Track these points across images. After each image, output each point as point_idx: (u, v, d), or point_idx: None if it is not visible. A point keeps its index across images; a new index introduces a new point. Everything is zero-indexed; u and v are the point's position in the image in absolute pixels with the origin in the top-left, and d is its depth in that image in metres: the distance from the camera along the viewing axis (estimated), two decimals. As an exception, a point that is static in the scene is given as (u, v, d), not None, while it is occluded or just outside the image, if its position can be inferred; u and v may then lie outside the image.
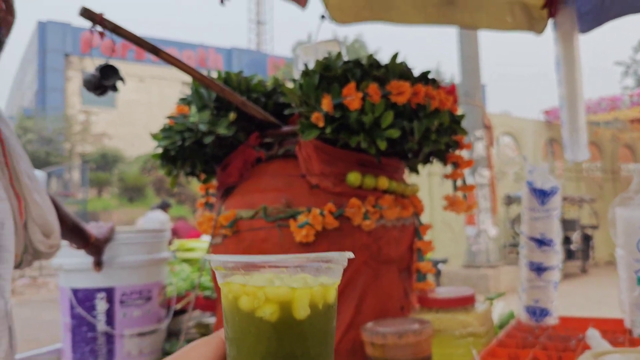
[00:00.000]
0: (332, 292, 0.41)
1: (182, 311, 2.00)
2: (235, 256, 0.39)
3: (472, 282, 10.34)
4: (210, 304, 2.04)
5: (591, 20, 2.00)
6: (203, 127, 1.39)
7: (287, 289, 0.38)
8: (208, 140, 1.39)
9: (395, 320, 1.19)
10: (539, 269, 1.33)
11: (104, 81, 1.14)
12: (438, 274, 9.68)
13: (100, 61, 1.22)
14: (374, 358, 1.13)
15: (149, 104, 27.45)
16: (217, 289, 1.60)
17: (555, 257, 1.32)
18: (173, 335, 1.91)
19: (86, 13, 1.13)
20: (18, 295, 12.42)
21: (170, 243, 2.49)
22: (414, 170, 1.56)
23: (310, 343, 0.39)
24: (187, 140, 1.42)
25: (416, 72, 1.38)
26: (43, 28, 28.16)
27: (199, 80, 1.32)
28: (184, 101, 1.53)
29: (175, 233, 11.00)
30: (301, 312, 0.38)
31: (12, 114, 27.63)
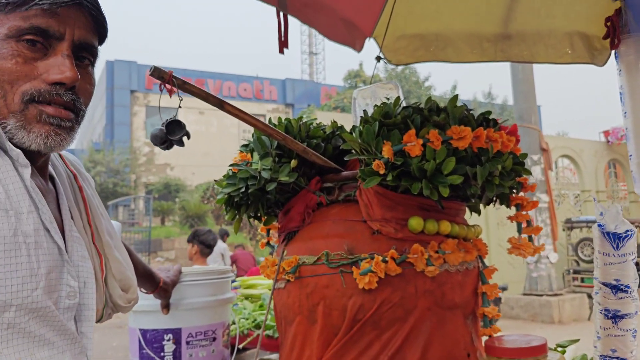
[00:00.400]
0: None
1: (244, 349, 2.02)
2: None
3: (534, 310, 9.95)
4: (273, 342, 2.05)
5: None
6: (266, 175, 1.41)
7: None
8: (270, 187, 1.41)
9: (463, 370, 1.16)
10: (615, 316, 1.26)
11: (170, 136, 1.18)
12: (498, 301, 9.37)
13: (164, 113, 1.27)
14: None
15: (209, 135, 28.37)
16: (279, 329, 1.60)
17: (633, 304, 1.26)
18: (236, 372, 1.93)
19: (155, 72, 1.18)
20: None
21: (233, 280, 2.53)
22: (476, 211, 1.53)
23: None
24: (250, 187, 1.45)
25: (479, 111, 1.37)
26: (111, 67, 29.75)
27: (262, 130, 1.35)
28: (246, 148, 1.57)
29: (235, 261, 11.18)
30: None
31: (83, 148, 29.13)
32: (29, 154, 0.88)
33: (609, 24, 1.94)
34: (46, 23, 0.84)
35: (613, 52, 1.98)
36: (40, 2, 0.83)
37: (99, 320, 1.00)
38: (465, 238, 1.40)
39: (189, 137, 1.27)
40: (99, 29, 0.95)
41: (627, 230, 1.25)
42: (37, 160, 0.93)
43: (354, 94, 1.70)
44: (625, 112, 1.91)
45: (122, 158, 25.85)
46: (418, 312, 1.29)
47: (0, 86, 0.83)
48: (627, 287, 1.26)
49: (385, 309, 1.28)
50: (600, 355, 1.29)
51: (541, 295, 10.00)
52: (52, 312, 0.80)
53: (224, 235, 11.67)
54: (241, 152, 1.58)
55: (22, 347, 0.76)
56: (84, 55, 0.93)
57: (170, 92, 1.22)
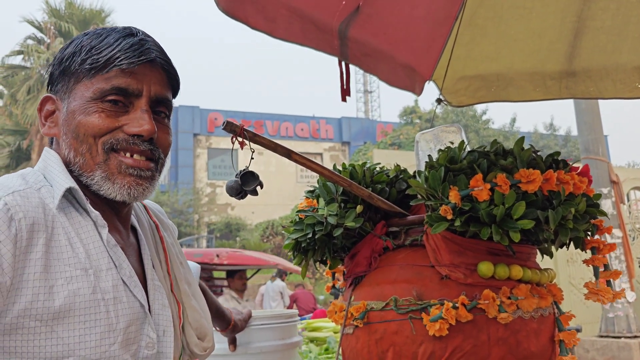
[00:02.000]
0: None
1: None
2: None
3: (612, 353, 9.30)
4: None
5: None
6: (332, 220, 1.43)
7: None
8: (337, 232, 1.42)
9: None
10: None
11: (244, 187, 1.22)
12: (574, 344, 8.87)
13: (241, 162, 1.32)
14: None
15: (267, 174, 28.90)
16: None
17: None
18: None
19: (228, 126, 1.23)
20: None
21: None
22: (548, 254, 1.47)
23: None
24: (317, 232, 1.46)
25: (544, 149, 1.34)
26: (175, 112, 31.10)
27: (328, 177, 1.37)
28: (312, 194, 1.59)
29: (295, 300, 11.16)
30: None
31: (149, 190, 30.18)
32: (113, 204, 0.93)
33: (679, 56, 1.88)
34: (125, 83, 0.91)
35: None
36: (118, 63, 0.89)
37: None
38: (539, 283, 1.34)
39: (262, 187, 1.30)
40: (172, 83, 1.01)
41: None
42: (122, 211, 0.97)
43: (417, 137, 1.70)
44: None
45: (185, 199, 26.67)
46: (492, 361, 1.24)
47: (86, 140, 0.89)
48: None
49: (457, 357, 1.24)
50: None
51: (619, 338, 9.33)
52: None
53: (283, 275, 11.70)
54: (307, 198, 1.60)
55: None
56: (161, 109, 0.98)
57: (242, 145, 1.27)
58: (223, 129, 1.25)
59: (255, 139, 1.27)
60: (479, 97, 1.97)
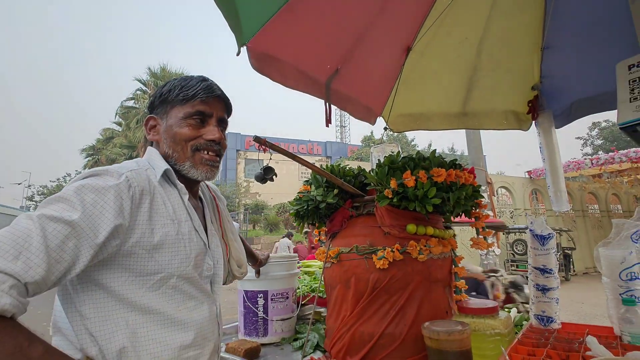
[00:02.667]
0: None
1: (304, 304, 1.98)
2: None
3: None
4: (322, 301, 2.00)
5: (563, 119, 1.85)
6: (319, 198, 1.42)
7: None
8: (322, 206, 1.41)
9: (444, 322, 1.10)
10: (543, 289, 1.18)
11: (265, 176, 1.21)
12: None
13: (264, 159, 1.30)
14: (431, 348, 1.03)
15: (281, 175, 28.68)
16: (327, 291, 1.57)
17: (555, 281, 1.17)
18: (300, 319, 1.89)
19: (256, 139, 1.21)
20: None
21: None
22: (449, 221, 1.47)
23: None
24: (310, 205, 1.45)
25: (448, 159, 1.33)
26: (226, 136, 30.99)
27: (317, 172, 1.36)
28: (307, 182, 1.58)
29: (296, 251, 11.11)
30: None
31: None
32: (190, 183, 0.92)
33: (530, 104, 1.88)
34: (203, 108, 0.91)
35: (534, 122, 1.91)
36: (200, 96, 0.89)
37: (224, 284, 1.01)
38: (443, 237, 1.34)
39: (276, 176, 1.29)
40: (228, 110, 1.00)
41: (549, 233, 1.18)
42: (194, 187, 0.96)
43: (372, 150, 1.70)
44: (544, 159, 1.83)
45: (230, 189, 26.70)
46: (414, 284, 1.23)
47: (180, 143, 0.89)
48: (551, 270, 1.18)
49: (393, 281, 1.23)
50: (535, 314, 1.20)
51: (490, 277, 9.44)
52: (196, 279, 0.81)
53: (290, 235, 11.65)
54: (304, 185, 1.59)
55: (180, 299, 0.78)
56: (223, 125, 0.98)
57: (265, 150, 1.25)
58: (254, 140, 1.24)
59: (274, 147, 1.25)
60: (409, 127, 1.97)
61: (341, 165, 1.58)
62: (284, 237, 12.01)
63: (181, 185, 0.86)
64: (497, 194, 12.15)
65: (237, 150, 30.99)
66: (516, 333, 1.19)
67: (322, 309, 2.00)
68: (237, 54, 1.30)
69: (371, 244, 1.29)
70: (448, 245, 1.33)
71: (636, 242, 0.99)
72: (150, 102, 0.94)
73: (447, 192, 1.19)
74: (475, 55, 1.82)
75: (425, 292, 1.25)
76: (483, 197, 1.34)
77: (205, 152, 0.91)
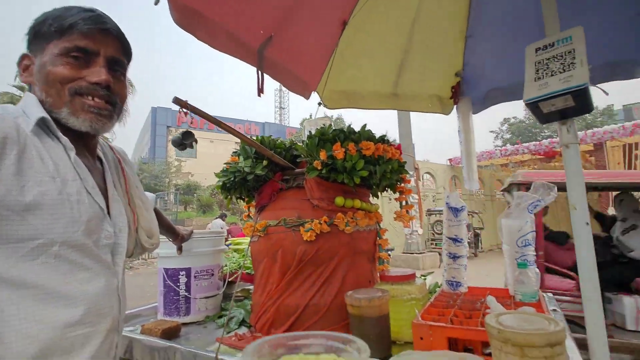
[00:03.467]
0: None
1: (232, 282, 1.92)
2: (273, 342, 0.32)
3: (409, 262, 10.19)
4: (250, 277, 1.96)
5: (479, 106, 2.00)
6: (247, 170, 1.35)
7: None
8: (250, 177, 1.35)
9: (366, 290, 1.13)
10: (454, 257, 1.28)
11: (184, 141, 1.10)
12: (388, 257, 9.52)
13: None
14: (353, 315, 1.06)
15: (216, 155, 27.59)
16: (254, 268, 1.53)
17: (464, 249, 1.27)
18: (228, 298, 1.83)
19: (176, 100, 1.09)
20: (135, 269, 12.12)
21: (226, 240, 2.43)
22: (376, 195, 1.51)
23: None
24: (237, 177, 1.38)
25: (377, 136, 1.36)
26: (155, 111, 28.66)
27: (246, 141, 1.29)
28: (235, 153, 1.49)
29: (230, 233, 10.82)
30: None
31: (135, 161, 27.86)
32: (80, 136, 0.78)
33: (453, 90, 2.01)
34: (85, 44, 0.75)
35: (455, 106, 2.05)
36: (78, 28, 0.74)
37: (130, 256, 0.90)
38: (370, 211, 1.38)
39: (196, 142, 1.19)
40: (125, 50, 0.84)
41: (462, 206, 1.27)
42: (89, 143, 0.82)
43: (304, 124, 1.67)
44: (461, 141, 1.97)
45: (160, 168, 24.90)
46: (340, 255, 1.25)
47: (54, 86, 0.74)
48: (461, 239, 1.28)
49: (320, 253, 1.24)
50: (446, 280, 1.30)
51: (413, 254, 10.26)
52: (91, 248, 0.70)
53: (223, 217, 11.31)
54: (232, 156, 1.50)
55: (67, 269, 0.66)
56: (117, 68, 0.82)
57: (186, 114, 1.14)
58: (172, 101, 1.12)
59: (195, 110, 1.14)
60: (343, 104, 1.97)
61: (274, 138, 1.52)
62: (217, 218, 11.61)
63: (65, 139, 0.72)
64: (422, 179, 13.14)
65: (168, 127, 28.81)
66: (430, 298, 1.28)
67: (251, 286, 1.96)
68: (156, 3, 1.15)
69: (299, 216, 1.28)
70: (374, 218, 1.37)
71: (531, 213, 1.12)
72: (27, 40, 0.78)
73: (375, 165, 1.21)
74: (407, 38, 1.87)
75: (350, 263, 1.27)
76: (408, 172, 1.40)
77: (89, 98, 0.76)
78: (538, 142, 11.36)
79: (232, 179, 1.39)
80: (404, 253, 10.55)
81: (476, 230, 12.11)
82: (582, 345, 1.01)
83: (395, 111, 10.12)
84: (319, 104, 1.92)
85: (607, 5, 1.42)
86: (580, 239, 0.78)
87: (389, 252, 9.46)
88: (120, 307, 0.76)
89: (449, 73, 1.99)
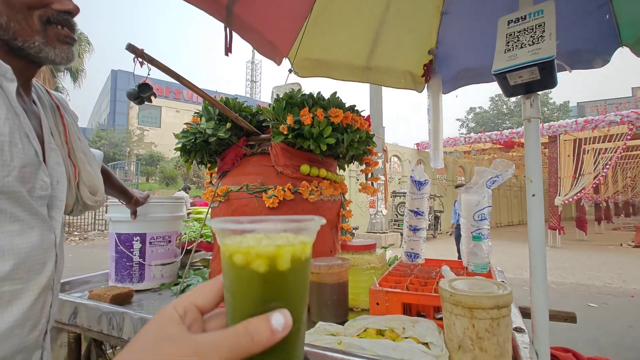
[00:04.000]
0: (309, 248, 0.32)
1: (191, 250, 1.86)
2: (230, 222, 0.30)
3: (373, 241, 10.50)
4: (209, 246, 1.92)
5: (449, 85, 2.02)
6: (209, 131, 1.28)
7: (273, 247, 0.29)
8: (212, 139, 1.28)
9: (327, 258, 1.13)
10: (415, 229, 1.30)
11: (141, 93, 1.01)
12: (353, 236, 9.76)
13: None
14: (312, 281, 1.06)
15: (181, 125, 26.36)
16: (214, 239, 1.48)
17: (424, 222, 1.30)
18: (185, 266, 1.78)
19: (130, 47, 1.00)
20: (90, 241, 11.56)
21: (189, 213, 2.36)
22: (342, 167, 1.50)
23: (290, 288, 0.31)
24: (197, 139, 1.30)
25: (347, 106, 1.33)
26: (115, 74, 26.80)
27: (209, 100, 1.21)
28: (197, 114, 1.41)
29: (194, 205, 10.55)
30: (284, 265, 0.30)
31: (92, 127, 26.02)
32: (23, 70, 0.68)
33: (425, 67, 2.00)
34: None
35: (426, 85, 2.05)
36: None
37: (70, 213, 0.83)
38: (335, 181, 1.36)
39: (155, 96, 1.10)
40: None
41: (425, 180, 1.29)
42: (28, 81, 0.72)
43: (273, 89, 1.60)
44: (429, 120, 1.99)
45: (120, 136, 23.50)
46: (302, 224, 1.24)
47: (20, 10, 0.64)
48: (422, 212, 1.30)
49: (282, 220, 1.21)
50: (405, 252, 1.33)
51: (376, 233, 10.58)
52: (24, 197, 0.63)
53: (187, 189, 10.99)
54: (194, 117, 1.41)
55: None
56: None
57: (142, 64, 1.04)
58: (126, 49, 1.01)
59: (153, 61, 1.05)
60: (315, 73, 1.91)
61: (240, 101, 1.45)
62: (180, 190, 11.25)
63: (7, 68, 0.63)
64: (390, 161, 13.41)
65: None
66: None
67: (211, 256, 1.91)
68: None
69: (262, 182, 1.24)
70: (339, 189, 1.36)
71: (489, 188, 1.16)
72: None
73: (342, 134, 1.19)
74: (383, 9, 1.82)
75: (312, 232, 1.26)
76: (375, 144, 1.39)
77: (60, 27, 0.68)
78: (499, 132, 11.88)
79: (193, 140, 1.31)
80: (367, 232, 10.86)
81: (436, 213, 12.66)
82: (526, 314, 1.07)
83: (368, 94, 10.09)
84: (290, 70, 1.85)
85: (575, -8, 1.45)
86: (531, 210, 0.81)
87: (354, 230, 9.69)
88: (56, 265, 0.69)
89: (423, 50, 1.98)
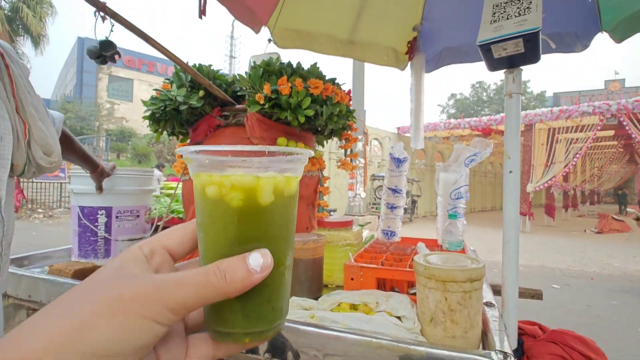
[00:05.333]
0: (294, 183, 0.29)
1: (165, 227, 1.80)
2: (207, 153, 0.26)
3: (350, 224, 10.62)
4: (181, 222, 1.86)
5: (432, 65, 2.00)
6: (180, 99, 1.20)
7: (252, 177, 0.25)
8: (183, 107, 1.21)
9: (303, 234, 1.11)
10: (392, 207, 1.30)
11: (103, 52, 0.93)
12: (330, 214, 9.84)
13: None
14: (286, 257, 1.04)
15: (155, 100, 25.26)
16: (185, 211, 1.43)
17: (402, 200, 1.30)
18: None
19: (91, 0, 0.91)
20: (56, 218, 11.11)
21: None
22: (321, 143, 1.47)
23: (272, 227, 0.27)
24: (168, 107, 1.23)
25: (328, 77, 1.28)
26: (82, 42, 25.19)
27: (179, 65, 1.13)
28: (168, 81, 1.33)
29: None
30: (265, 198, 0.26)
31: (57, 98, 24.55)
32: None
33: (409, 45, 1.97)
34: None
35: (409, 63, 2.02)
36: None
37: (21, 174, 0.76)
38: (314, 157, 1.33)
39: (120, 56, 1.01)
40: None
41: (405, 157, 1.28)
42: None
43: (250, 57, 1.52)
44: (412, 99, 1.98)
45: (88, 110, 22.33)
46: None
47: None
48: (400, 190, 1.30)
49: (256, 195, 1.18)
50: (382, 230, 1.33)
51: (354, 216, 10.69)
52: None
53: (161, 167, 10.66)
54: (164, 83, 1.33)
55: None
56: None
57: (103, 18, 0.96)
58: (85, 0, 0.92)
59: (116, 17, 0.96)
60: (295, 44, 1.83)
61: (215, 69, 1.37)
62: (153, 167, 10.90)
63: None
64: (370, 144, 13.48)
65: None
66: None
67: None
68: None
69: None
70: (317, 164, 1.33)
71: (467, 166, 1.16)
72: None
73: (322, 106, 1.15)
74: (369, -20, 1.77)
75: (288, 208, 1.24)
76: (355, 120, 1.36)
77: None
78: (478, 119, 12.12)
79: (163, 108, 1.24)
80: (346, 215, 10.97)
81: (414, 197, 12.93)
82: (496, 292, 1.10)
83: (351, 75, 9.97)
84: (269, 40, 1.77)
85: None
86: (507, 186, 0.81)
87: (331, 212, 9.75)
88: (3, 229, 0.64)
89: (408, 26, 1.94)
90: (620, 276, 5.65)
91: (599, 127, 9.54)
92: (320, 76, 1.19)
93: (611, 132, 11.54)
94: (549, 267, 6.18)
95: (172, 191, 2.10)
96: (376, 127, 14.45)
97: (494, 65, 0.82)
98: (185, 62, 1.21)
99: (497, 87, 34.91)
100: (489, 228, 11.34)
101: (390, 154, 1.28)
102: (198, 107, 1.22)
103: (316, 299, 0.97)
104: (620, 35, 1.46)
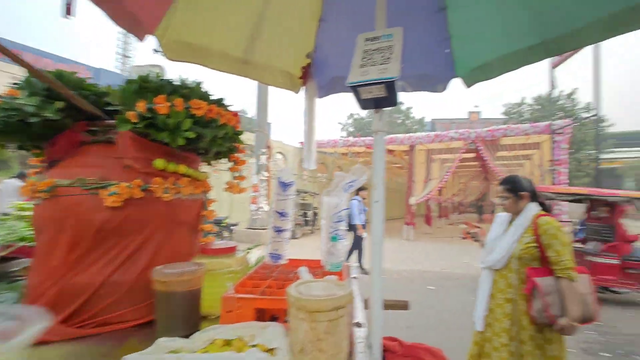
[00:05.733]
0: None
1: (8, 258, 1.47)
2: None
3: (252, 238, 10.40)
4: (30, 250, 1.55)
5: (324, 91, 2.11)
6: (30, 109, 1.01)
7: None
8: (34, 119, 1.02)
9: (180, 264, 1.03)
10: (279, 230, 1.31)
11: None
12: (231, 232, 9.46)
13: None
14: (160, 291, 0.94)
15: None
16: (36, 239, 1.19)
17: (289, 224, 1.32)
18: (3, 277, 1.39)
19: None
20: None
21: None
22: (208, 163, 1.40)
23: None
24: (12, 117, 1.02)
25: (217, 98, 1.23)
26: None
27: (30, 70, 0.95)
28: (17, 86, 1.11)
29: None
30: None
31: None
32: None
33: (303, 70, 2.04)
34: None
35: (304, 87, 2.09)
36: None
37: None
38: (197, 179, 1.26)
39: None
40: None
41: (291, 181, 1.31)
42: None
43: (131, 68, 1.38)
44: (305, 122, 2.05)
45: None
46: (153, 226, 1.09)
47: None
48: (287, 214, 1.32)
49: (127, 222, 1.05)
50: (269, 253, 1.33)
51: (257, 229, 10.51)
52: None
53: (22, 176, 8.81)
54: (11, 89, 1.10)
55: None
56: None
57: None
58: None
59: None
60: (187, 58, 1.71)
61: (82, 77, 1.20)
62: (13, 177, 8.92)
63: None
64: (274, 158, 13.55)
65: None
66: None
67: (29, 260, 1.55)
68: None
69: (103, 177, 1.05)
70: (200, 187, 1.26)
71: (346, 191, 1.25)
72: None
73: (205, 128, 1.10)
74: (263, 3, 1.78)
75: (166, 235, 1.13)
76: (242, 142, 1.34)
77: None
78: (372, 138, 13.29)
79: (5, 119, 1.02)
80: (248, 229, 10.70)
81: (315, 210, 13.37)
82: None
83: (256, 88, 9.93)
84: (156, 51, 1.63)
85: (422, 25, 1.69)
86: (374, 214, 0.89)
87: (232, 227, 9.38)
88: None
89: (301, 52, 2.01)
90: (477, 275, 6.76)
91: (463, 150, 11.40)
92: (204, 97, 1.14)
93: (473, 154, 13.95)
94: (427, 270, 7.04)
95: (24, 213, 1.74)
96: (280, 141, 14.61)
97: (362, 104, 0.90)
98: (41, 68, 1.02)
99: (389, 111, 39.05)
100: (386, 238, 12.38)
101: (278, 178, 1.29)
102: (57, 120, 1.04)
103: (192, 334, 0.90)
104: (470, 81, 1.77)
